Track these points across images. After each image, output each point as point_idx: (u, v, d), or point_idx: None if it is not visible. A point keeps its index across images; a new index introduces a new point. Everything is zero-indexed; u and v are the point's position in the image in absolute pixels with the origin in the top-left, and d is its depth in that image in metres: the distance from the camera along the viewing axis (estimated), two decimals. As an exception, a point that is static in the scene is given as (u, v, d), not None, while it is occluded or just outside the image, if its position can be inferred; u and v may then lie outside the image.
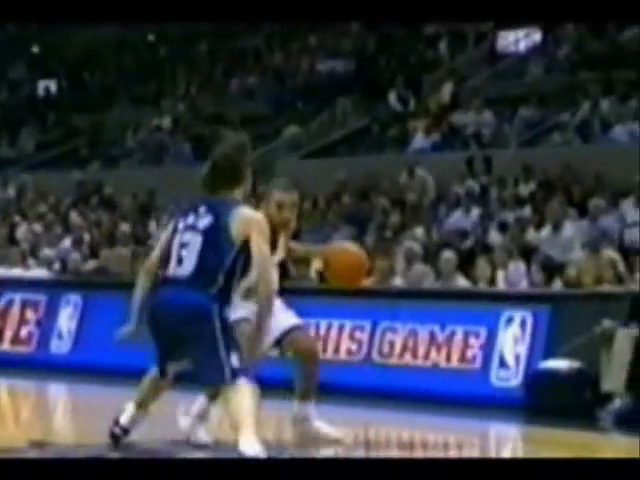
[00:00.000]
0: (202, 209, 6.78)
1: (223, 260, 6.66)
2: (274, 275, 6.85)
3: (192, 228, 6.75)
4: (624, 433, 9.45)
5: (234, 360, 6.66)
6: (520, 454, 8.48)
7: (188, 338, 6.74)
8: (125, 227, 20.04)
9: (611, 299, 10.96)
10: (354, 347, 11.72)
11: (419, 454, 7.62)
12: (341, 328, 11.77)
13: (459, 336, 10.97)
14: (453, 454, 7.70)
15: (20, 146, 28.63)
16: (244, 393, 6.63)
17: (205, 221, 6.73)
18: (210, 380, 6.90)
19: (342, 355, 11.71)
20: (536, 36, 23.87)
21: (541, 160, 18.66)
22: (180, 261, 6.75)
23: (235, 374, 6.66)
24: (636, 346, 9.99)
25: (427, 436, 8.09)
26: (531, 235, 15.09)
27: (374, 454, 7.60)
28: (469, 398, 9.79)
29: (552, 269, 13.46)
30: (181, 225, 6.81)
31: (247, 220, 6.66)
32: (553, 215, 15.34)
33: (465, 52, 24.95)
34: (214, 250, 6.67)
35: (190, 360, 6.85)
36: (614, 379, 9.95)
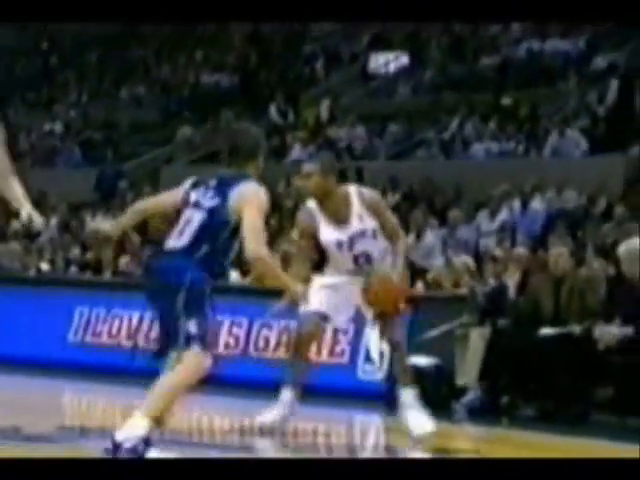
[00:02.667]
0: (212, 184, 6.53)
1: (217, 234, 6.33)
2: (263, 246, 6.34)
3: (198, 205, 6.46)
4: (475, 423, 9.60)
5: (191, 326, 6.13)
6: (382, 442, 8.59)
7: (164, 306, 6.33)
8: (17, 224, 19.78)
9: (466, 301, 11.09)
10: (232, 341, 11.74)
11: (291, 441, 7.69)
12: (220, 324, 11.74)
13: (329, 333, 11.01)
14: (321, 441, 7.78)
15: None
16: (186, 366, 6.10)
17: (212, 200, 6.46)
18: (171, 346, 6.32)
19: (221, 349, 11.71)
20: (404, 59, 24.08)
21: (406, 173, 18.88)
22: (180, 235, 6.43)
23: (189, 341, 6.13)
24: (488, 344, 10.15)
25: (299, 424, 8.15)
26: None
27: (249, 440, 7.64)
28: (337, 390, 9.90)
29: (414, 273, 13.62)
30: (192, 199, 6.52)
31: (244, 194, 6.37)
32: (416, 224, 15.56)
33: (339, 71, 25.08)
34: (212, 225, 6.36)
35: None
36: (468, 374, 10.11)
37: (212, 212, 6.39)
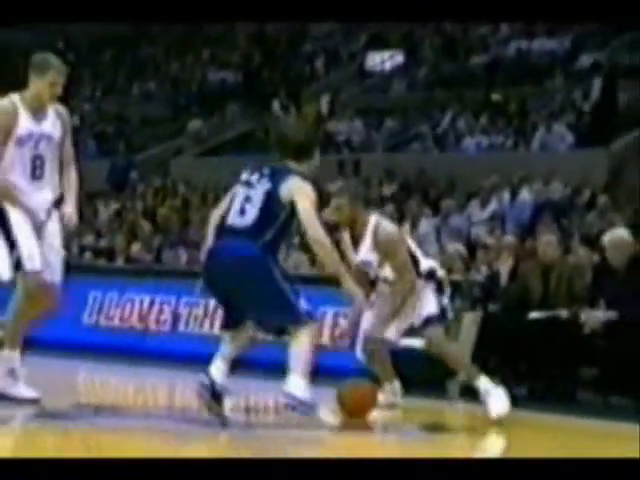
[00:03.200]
0: (266, 171, 6.83)
1: (277, 217, 6.69)
2: (321, 229, 6.70)
3: (254, 186, 6.80)
4: (467, 401, 9.58)
5: (303, 303, 6.79)
6: (378, 421, 8.53)
7: (247, 285, 6.68)
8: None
9: (459, 287, 11.07)
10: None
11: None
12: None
13: (329, 318, 10.97)
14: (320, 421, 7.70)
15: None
16: (310, 335, 6.84)
17: (266, 183, 6.78)
18: (282, 321, 6.84)
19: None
20: (399, 58, 24.03)
21: (402, 165, 18.85)
22: (242, 212, 6.76)
23: (310, 315, 6.85)
24: (479, 328, 10.12)
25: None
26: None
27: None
28: (339, 371, 9.81)
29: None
30: (247, 179, 6.86)
31: (293, 186, 6.70)
32: (411, 213, 15.52)
33: (338, 69, 25.03)
34: (271, 208, 6.69)
35: (252, 306, 6.79)
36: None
37: (268, 195, 6.71)
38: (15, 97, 7.24)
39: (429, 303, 7.77)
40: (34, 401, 7.12)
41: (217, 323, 10.58)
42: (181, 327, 12.23)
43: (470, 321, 10.18)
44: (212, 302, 10.26)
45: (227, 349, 6.97)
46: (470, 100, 20.80)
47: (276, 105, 23.27)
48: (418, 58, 23.74)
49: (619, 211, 14.83)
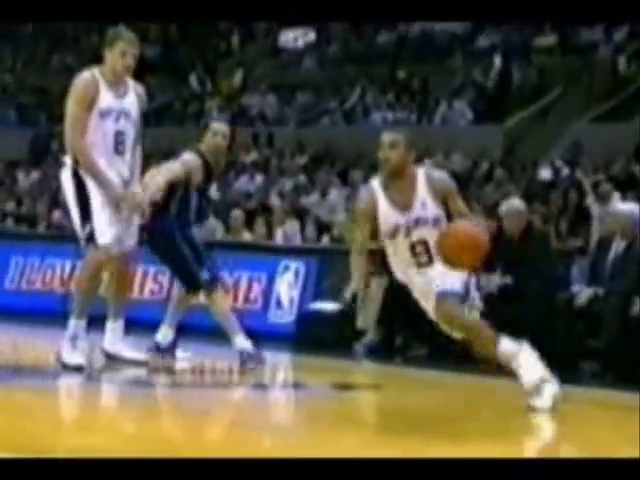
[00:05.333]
0: None
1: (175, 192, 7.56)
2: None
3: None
4: (372, 361, 9.67)
5: (205, 271, 7.39)
6: (290, 379, 8.60)
7: (158, 256, 7.67)
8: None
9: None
10: (156, 288, 11.66)
11: (208, 378, 7.67)
12: (145, 273, 11.68)
13: (244, 281, 11.00)
14: (235, 379, 7.75)
15: None
16: (222, 298, 7.47)
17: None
18: (185, 286, 7.58)
19: (146, 295, 11.63)
20: (311, 35, 23.98)
21: (313, 138, 18.87)
22: None
23: (212, 282, 7.37)
24: (384, 292, 10.20)
25: (216, 363, 8.13)
26: (304, 199, 15.27)
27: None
28: (251, 332, 9.85)
29: (321, 228, 13.66)
30: None
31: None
32: (321, 184, 15.57)
33: (253, 45, 24.91)
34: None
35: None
36: (367, 319, 10.16)
37: None
38: (95, 70, 7.07)
39: (455, 277, 6.24)
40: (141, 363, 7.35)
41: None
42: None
43: (376, 286, 10.25)
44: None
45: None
46: (377, 77, 20.87)
47: (193, 79, 23.12)
48: (329, 36, 23.72)
49: (514, 183, 15.04)
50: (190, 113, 21.95)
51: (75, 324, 7.07)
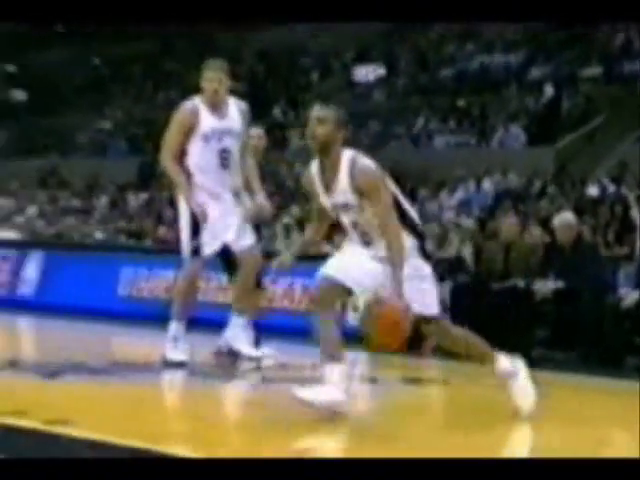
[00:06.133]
0: None
1: None
2: None
3: None
4: (438, 359, 9.52)
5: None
6: (366, 374, 8.50)
7: None
8: (76, 202, 19.72)
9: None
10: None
11: (291, 374, 7.42)
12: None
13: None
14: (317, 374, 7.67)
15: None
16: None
17: None
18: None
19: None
20: (381, 70, 23.93)
21: (384, 160, 18.76)
22: None
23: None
24: (450, 297, 10.05)
25: (297, 360, 8.07)
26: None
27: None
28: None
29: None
30: None
31: None
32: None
33: (330, 80, 24.93)
34: None
35: None
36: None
37: None
38: (196, 99, 7.16)
39: (431, 299, 5.44)
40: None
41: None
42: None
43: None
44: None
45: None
46: (440, 106, 20.76)
47: (277, 110, 23.19)
48: (396, 70, 23.66)
49: (565, 198, 14.82)
50: (274, 140, 22.02)
51: (176, 326, 7.10)
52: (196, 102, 7.11)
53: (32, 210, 19.06)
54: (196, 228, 6.98)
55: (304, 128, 18.90)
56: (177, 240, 7.36)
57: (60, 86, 29.91)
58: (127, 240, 16.37)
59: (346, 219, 5.39)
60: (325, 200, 5.40)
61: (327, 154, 5.33)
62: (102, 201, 19.96)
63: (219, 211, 7.04)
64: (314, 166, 5.44)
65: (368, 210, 5.30)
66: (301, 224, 14.52)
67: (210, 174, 7.05)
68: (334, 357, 5.27)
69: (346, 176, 5.29)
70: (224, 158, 7.07)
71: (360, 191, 5.27)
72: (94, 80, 30.08)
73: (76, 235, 16.91)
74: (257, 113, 25.36)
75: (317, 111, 5.31)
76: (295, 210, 15.91)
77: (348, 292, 5.35)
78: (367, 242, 5.37)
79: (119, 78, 29.40)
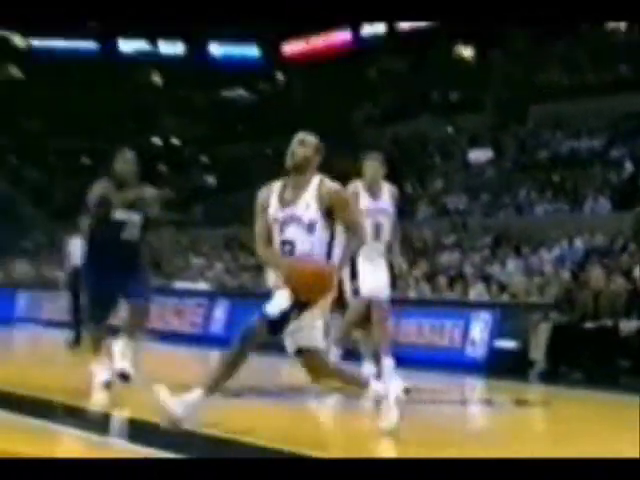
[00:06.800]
0: None
1: None
2: None
3: None
4: (542, 384, 9.29)
5: None
6: (481, 397, 8.30)
7: None
8: (252, 260, 20.03)
9: (536, 306, 10.78)
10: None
11: (424, 397, 7.09)
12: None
13: (448, 327, 10.71)
14: (439, 397, 7.50)
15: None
16: None
17: None
18: None
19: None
20: (490, 153, 23.62)
21: (494, 224, 18.49)
22: None
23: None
24: (550, 333, 9.81)
25: (434, 385, 7.91)
26: (489, 268, 14.94)
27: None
28: (453, 364, 9.63)
29: (502, 288, 13.29)
30: None
31: None
32: (501, 256, 15.12)
33: (451, 161, 24.72)
34: None
35: None
36: (537, 352, 9.79)
37: None
38: (358, 182, 7.01)
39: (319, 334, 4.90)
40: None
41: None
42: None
43: (544, 328, 9.83)
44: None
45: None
46: (539, 180, 20.40)
47: (408, 185, 23.11)
48: (503, 153, 23.36)
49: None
50: (405, 211, 21.90)
51: (389, 362, 6.79)
52: (357, 185, 7.00)
53: (219, 267, 19.53)
54: (354, 273, 6.84)
55: (430, 199, 18.45)
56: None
57: (241, 171, 30.73)
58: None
59: (287, 233, 4.79)
60: (275, 212, 4.84)
61: (301, 172, 4.87)
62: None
63: (371, 268, 6.90)
64: (276, 185, 4.94)
65: (320, 229, 4.77)
66: (430, 278, 14.37)
67: (367, 243, 7.08)
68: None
69: (314, 192, 4.82)
70: (377, 231, 6.95)
71: (328, 206, 4.80)
72: (269, 167, 30.68)
73: (253, 286, 17.20)
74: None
75: (301, 135, 4.93)
76: (422, 265, 15.78)
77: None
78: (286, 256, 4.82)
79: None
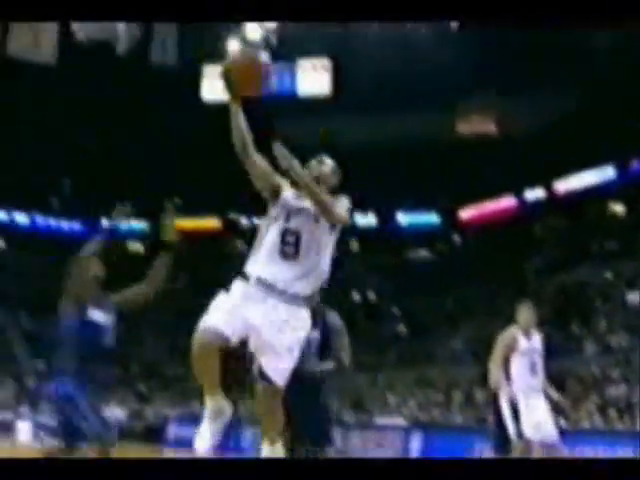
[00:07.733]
0: None
1: None
2: None
3: None
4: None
5: None
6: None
7: None
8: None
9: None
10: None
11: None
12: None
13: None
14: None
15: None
16: None
17: None
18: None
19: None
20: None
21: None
22: None
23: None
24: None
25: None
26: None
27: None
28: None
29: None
30: None
31: None
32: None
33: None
34: None
35: None
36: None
37: None
38: (513, 328, 7.37)
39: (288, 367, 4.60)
40: None
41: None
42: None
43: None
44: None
45: None
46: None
47: (575, 329, 23.64)
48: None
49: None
50: (572, 350, 21.91)
51: None
52: (512, 330, 7.34)
53: (413, 403, 20.13)
54: (516, 414, 7.16)
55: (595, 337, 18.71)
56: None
57: (424, 321, 30.93)
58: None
59: (293, 223, 4.62)
60: (286, 198, 4.69)
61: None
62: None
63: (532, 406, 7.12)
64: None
65: (319, 224, 4.62)
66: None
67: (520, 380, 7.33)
68: None
69: (324, 189, 4.71)
70: (533, 368, 7.24)
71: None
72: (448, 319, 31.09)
73: (443, 421, 17.50)
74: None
75: (322, 156, 4.82)
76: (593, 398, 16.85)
77: None
78: (290, 253, 4.59)
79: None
